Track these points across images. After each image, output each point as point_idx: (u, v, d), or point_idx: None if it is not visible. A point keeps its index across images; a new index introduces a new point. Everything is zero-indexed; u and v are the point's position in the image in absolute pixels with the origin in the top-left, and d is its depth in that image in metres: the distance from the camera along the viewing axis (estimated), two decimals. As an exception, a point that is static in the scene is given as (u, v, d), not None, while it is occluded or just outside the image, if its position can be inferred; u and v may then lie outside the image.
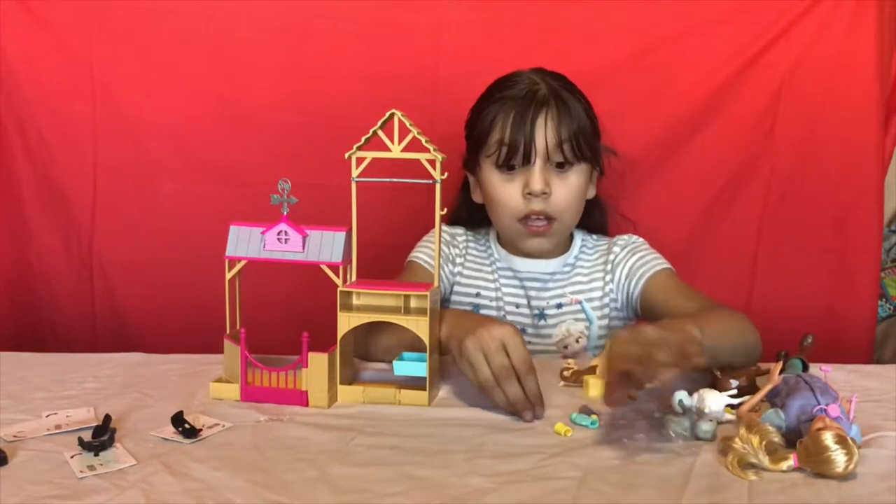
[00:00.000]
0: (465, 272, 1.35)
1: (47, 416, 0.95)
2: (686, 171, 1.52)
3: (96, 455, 0.85)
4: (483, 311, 1.32)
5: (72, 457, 0.84)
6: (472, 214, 1.36)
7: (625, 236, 1.36)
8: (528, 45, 1.48)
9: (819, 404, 0.86)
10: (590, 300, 1.32)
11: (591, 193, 1.33)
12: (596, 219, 1.38)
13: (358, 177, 1.02)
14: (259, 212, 1.05)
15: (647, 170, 1.52)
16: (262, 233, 1.01)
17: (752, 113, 1.50)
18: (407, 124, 1.01)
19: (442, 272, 1.30)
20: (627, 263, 1.32)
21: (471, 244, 1.38)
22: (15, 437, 0.89)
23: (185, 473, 0.82)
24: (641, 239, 1.35)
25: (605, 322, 1.32)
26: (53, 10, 1.49)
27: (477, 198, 1.33)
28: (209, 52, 1.50)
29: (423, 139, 1.02)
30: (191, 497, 0.77)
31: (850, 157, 1.51)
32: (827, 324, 1.54)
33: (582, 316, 1.32)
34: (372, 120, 1.01)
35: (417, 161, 1.02)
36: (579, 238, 1.36)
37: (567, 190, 1.25)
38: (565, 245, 1.35)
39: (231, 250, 1.03)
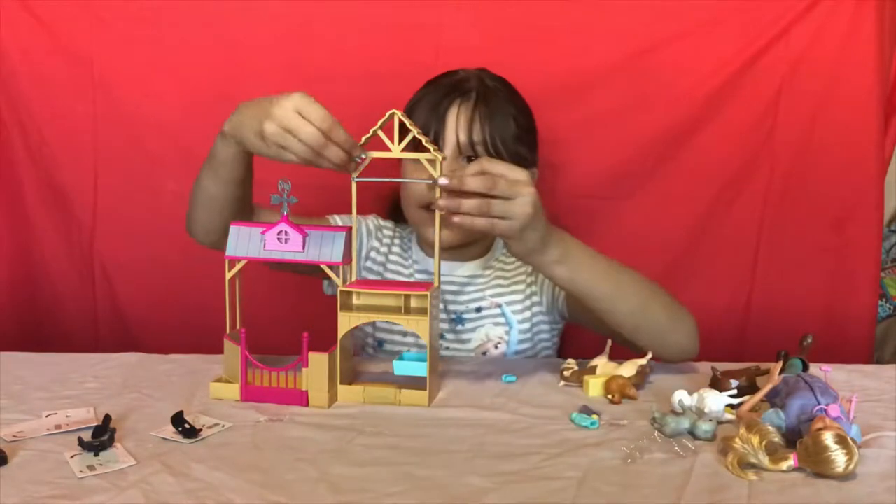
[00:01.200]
0: (386, 274, 1.33)
1: (47, 416, 0.95)
2: (686, 171, 1.52)
3: (96, 455, 0.85)
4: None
5: (72, 457, 0.84)
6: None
7: None
8: (528, 45, 1.48)
9: (819, 404, 0.86)
10: (510, 304, 1.30)
11: None
12: None
13: (358, 177, 1.02)
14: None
15: (647, 170, 1.52)
16: (263, 233, 1.01)
17: (751, 113, 1.50)
18: (407, 124, 1.01)
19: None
20: None
21: (395, 242, 1.35)
22: (15, 437, 0.89)
23: (185, 473, 0.82)
24: (562, 233, 1.33)
25: (527, 326, 1.29)
26: (54, 9, 1.49)
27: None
28: (210, 52, 1.50)
29: (423, 139, 1.02)
30: (191, 497, 0.77)
31: (849, 157, 1.51)
32: (827, 324, 1.54)
33: (502, 320, 1.29)
34: (372, 120, 1.01)
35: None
36: (499, 241, 1.33)
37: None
38: (484, 248, 1.33)
39: (231, 250, 1.03)
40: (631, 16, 1.49)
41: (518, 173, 1.00)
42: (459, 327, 1.29)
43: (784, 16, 1.47)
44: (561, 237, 1.07)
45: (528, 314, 1.30)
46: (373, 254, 1.34)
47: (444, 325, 1.29)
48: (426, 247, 1.32)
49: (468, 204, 0.98)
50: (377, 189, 1.09)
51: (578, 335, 1.37)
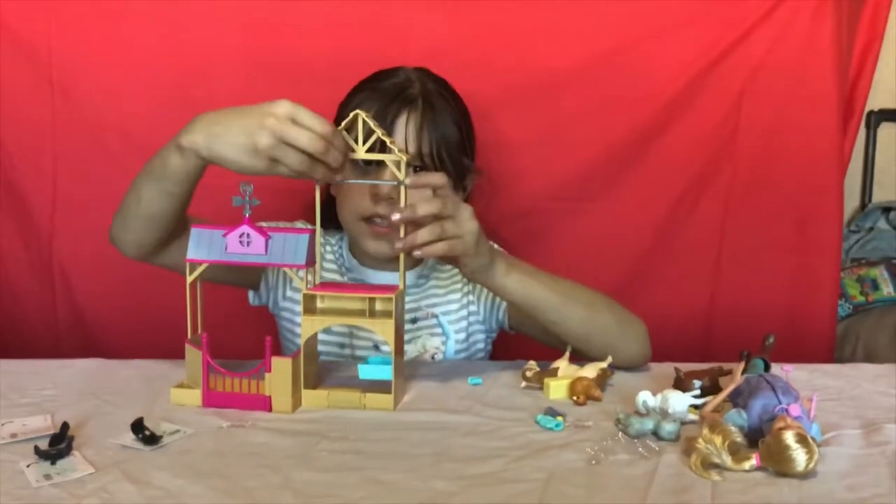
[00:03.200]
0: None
1: (3, 425, 0.92)
2: (650, 173, 1.53)
3: (53, 464, 0.83)
4: (335, 328, 1.23)
5: (28, 466, 0.82)
6: (333, 210, 1.27)
7: None
8: (495, 45, 1.48)
9: (780, 404, 0.87)
10: (446, 313, 1.28)
11: None
12: None
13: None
14: (223, 214, 1.04)
15: (612, 173, 1.53)
16: (224, 235, 1.00)
17: (714, 115, 1.52)
18: (371, 125, 1.00)
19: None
20: None
21: (326, 249, 1.31)
22: (-31, 446, 0.87)
23: (146, 481, 0.80)
24: (497, 246, 1.31)
25: (463, 335, 1.28)
26: (12, 8, 1.46)
27: (334, 190, 1.27)
28: (172, 52, 1.48)
29: (387, 140, 1.02)
30: (151, 505, 0.76)
31: (810, 159, 1.54)
32: (789, 323, 1.56)
33: (438, 331, 1.27)
34: (337, 121, 1.01)
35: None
36: None
37: (418, 198, 1.18)
38: (417, 258, 1.33)
39: (192, 253, 1.01)
40: (597, 18, 1.50)
41: (448, 187, 1.03)
42: None
43: (746, 19, 1.49)
44: (499, 251, 1.09)
45: (464, 323, 1.28)
46: None
47: (379, 338, 1.24)
48: (361, 256, 1.28)
49: (423, 235, 0.99)
50: (307, 194, 1.06)
51: (509, 341, 1.37)
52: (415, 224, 1.00)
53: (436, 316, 1.28)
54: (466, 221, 1.01)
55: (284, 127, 0.92)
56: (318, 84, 1.45)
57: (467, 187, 1.30)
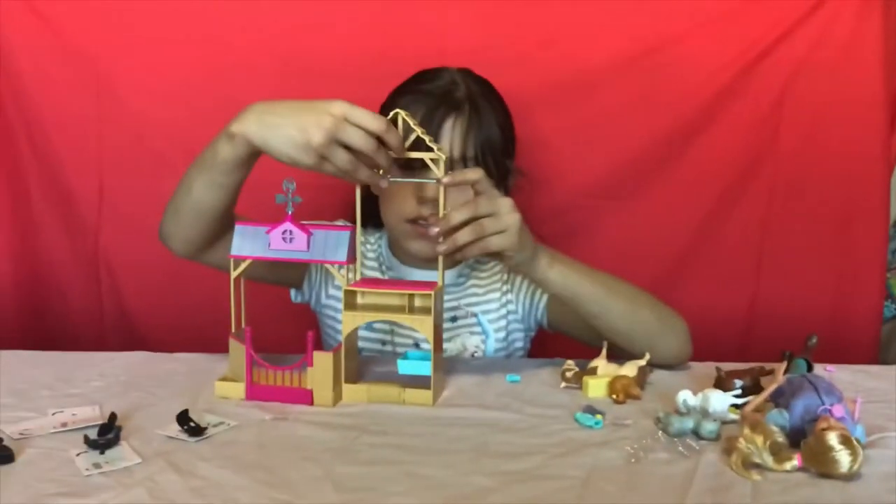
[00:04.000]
0: None
1: (53, 414, 0.95)
2: (690, 171, 1.52)
3: (102, 453, 0.85)
4: (376, 325, 1.25)
5: (77, 455, 0.85)
6: (377, 209, 1.27)
7: None
8: (532, 43, 1.48)
9: (823, 404, 0.86)
10: (486, 312, 1.28)
11: None
12: None
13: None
14: (266, 211, 1.06)
15: (651, 171, 1.52)
16: (267, 232, 1.02)
17: (756, 113, 1.50)
18: (411, 124, 1.01)
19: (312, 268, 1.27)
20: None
21: (366, 247, 1.31)
22: (21, 434, 0.89)
23: (191, 472, 0.82)
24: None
25: (502, 334, 1.28)
26: (58, 8, 1.49)
27: (376, 190, 1.25)
28: (214, 52, 1.50)
29: (427, 139, 1.03)
30: (196, 495, 0.77)
31: (855, 158, 1.51)
32: (832, 324, 1.54)
33: (478, 329, 1.27)
34: (377, 120, 1.01)
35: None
36: None
37: (462, 201, 1.19)
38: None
39: (236, 249, 1.03)
40: (635, 15, 1.49)
41: (486, 181, 1.03)
42: None
43: (789, 16, 1.47)
44: (540, 244, 1.08)
45: (503, 322, 1.28)
46: None
47: (419, 335, 1.25)
48: (403, 255, 1.29)
49: (463, 236, 0.99)
50: (347, 193, 1.07)
51: (546, 340, 1.37)
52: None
53: (475, 315, 1.28)
54: (506, 215, 1.01)
55: (340, 126, 0.94)
56: (355, 83, 1.46)
57: (509, 187, 1.30)
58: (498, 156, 1.23)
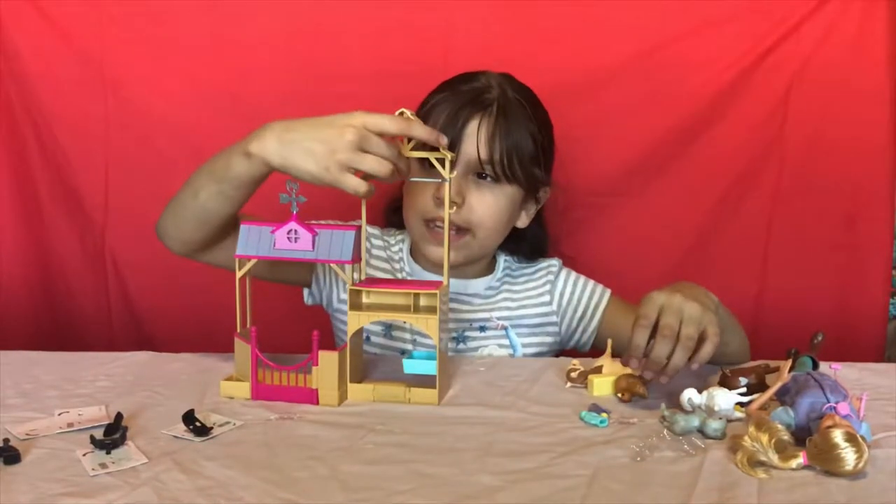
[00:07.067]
0: None
1: (59, 415, 0.96)
2: (696, 168, 1.52)
3: (108, 453, 0.85)
4: (394, 332, 1.24)
5: (84, 455, 0.85)
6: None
7: (553, 261, 1.33)
8: (537, 44, 1.48)
9: (829, 402, 0.86)
10: (517, 327, 1.27)
11: (521, 222, 1.28)
12: (523, 251, 1.33)
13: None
14: (271, 210, 1.06)
15: (657, 168, 1.52)
16: (272, 232, 1.02)
17: (762, 110, 1.50)
18: (415, 120, 1.01)
19: (321, 271, 1.26)
20: (575, 295, 1.29)
21: (391, 249, 1.31)
22: (27, 434, 0.90)
23: (197, 471, 0.82)
24: (562, 263, 1.33)
25: (532, 350, 1.27)
26: (64, 9, 1.49)
27: (405, 190, 1.26)
28: (219, 51, 1.51)
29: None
30: (202, 495, 0.78)
31: (860, 155, 1.51)
32: (838, 321, 1.53)
33: (506, 342, 1.26)
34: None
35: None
36: (502, 261, 1.31)
37: (483, 205, 1.20)
38: (488, 267, 1.31)
39: (241, 249, 1.03)
40: (641, 13, 1.49)
41: (651, 305, 0.97)
42: (461, 346, 1.26)
43: (795, 12, 1.47)
44: (692, 285, 1.03)
45: (534, 339, 1.28)
46: None
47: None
48: (421, 259, 1.29)
49: (678, 361, 0.95)
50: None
51: None
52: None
53: (505, 328, 1.27)
54: (688, 309, 0.96)
55: (363, 136, 0.95)
56: (361, 82, 1.48)
57: (540, 199, 1.30)
58: (527, 164, 1.21)
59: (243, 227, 1.04)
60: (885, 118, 1.50)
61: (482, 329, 1.26)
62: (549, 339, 1.29)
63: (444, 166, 1.01)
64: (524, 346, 1.27)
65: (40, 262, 1.58)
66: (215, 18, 1.51)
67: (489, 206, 1.21)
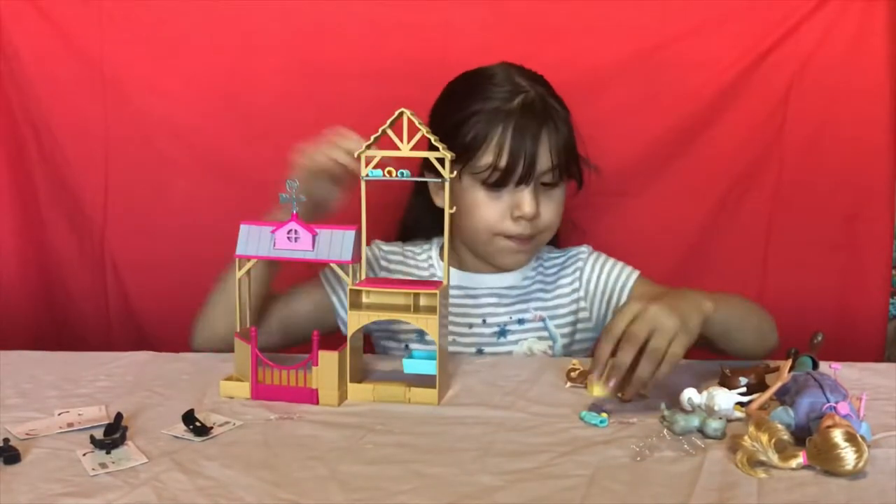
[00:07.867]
0: None
1: (59, 415, 0.96)
2: (695, 168, 1.52)
3: (108, 453, 0.85)
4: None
5: (84, 454, 0.85)
6: (436, 221, 1.22)
7: (583, 248, 1.34)
8: (536, 44, 1.48)
9: (828, 402, 0.86)
10: (552, 317, 1.28)
11: None
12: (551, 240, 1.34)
13: (367, 175, 1.02)
14: (269, 210, 1.06)
15: (657, 168, 1.52)
16: (272, 231, 1.02)
17: (761, 110, 1.50)
18: (416, 123, 1.01)
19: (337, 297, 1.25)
20: (601, 279, 1.29)
21: (416, 259, 1.31)
22: (27, 434, 0.90)
23: (197, 471, 0.82)
24: (591, 248, 1.34)
25: (567, 340, 1.28)
26: (64, 9, 1.49)
27: (439, 202, 1.24)
28: (219, 51, 1.51)
29: (432, 138, 1.03)
30: (202, 495, 0.78)
31: (860, 155, 1.51)
32: (838, 321, 1.53)
33: (545, 334, 1.27)
34: (381, 118, 1.02)
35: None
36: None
37: (552, 209, 1.22)
38: None
39: (241, 249, 1.03)
40: (641, 13, 1.49)
41: (624, 315, 0.96)
42: (502, 339, 1.26)
43: (794, 12, 1.47)
44: (686, 293, 1.02)
45: (569, 329, 1.28)
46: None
47: (484, 339, 1.27)
48: (455, 261, 1.28)
49: (643, 372, 0.93)
50: (371, 210, 1.06)
51: None
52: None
53: (543, 319, 1.27)
54: (662, 319, 0.94)
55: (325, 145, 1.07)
56: (360, 81, 1.47)
57: (581, 182, 1.31)
58: (575, 155, 1.25)
59: (243, 227, 1.04)
60: (885, 118, 1.50)
61: (521, 322, 1.27)
62: (581, 326, 1.30)
63: (444, 166, 1.01)
64: (562, 336, 1.28)
65: (39, 262, 1.58)
66: (215, 18, 1.50)
67: (554, 210, 1.23)
